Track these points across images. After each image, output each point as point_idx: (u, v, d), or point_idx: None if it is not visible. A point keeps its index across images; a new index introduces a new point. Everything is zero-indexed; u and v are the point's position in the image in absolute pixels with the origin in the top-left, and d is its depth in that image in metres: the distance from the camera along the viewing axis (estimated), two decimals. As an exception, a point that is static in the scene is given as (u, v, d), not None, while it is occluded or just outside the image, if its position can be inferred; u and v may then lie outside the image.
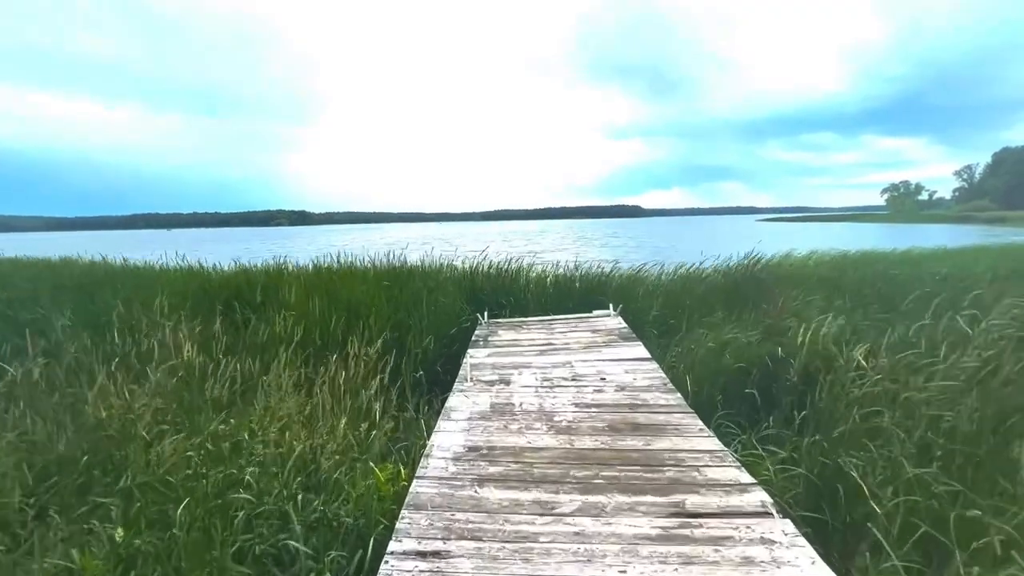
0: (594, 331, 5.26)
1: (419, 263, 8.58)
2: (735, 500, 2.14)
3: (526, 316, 6.12)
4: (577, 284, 7.13)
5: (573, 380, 3.85)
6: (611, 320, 5.69)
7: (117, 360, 3.90)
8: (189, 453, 2.67)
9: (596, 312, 6.07)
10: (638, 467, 2.47)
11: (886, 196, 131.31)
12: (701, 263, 9.69)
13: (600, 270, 9.12)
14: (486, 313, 5.84)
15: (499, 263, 9.45)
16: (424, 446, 2.81)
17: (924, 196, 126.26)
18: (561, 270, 10.00)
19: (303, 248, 37.69)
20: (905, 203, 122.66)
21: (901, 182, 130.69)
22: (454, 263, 10.33)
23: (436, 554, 1.84)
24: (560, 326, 5.58)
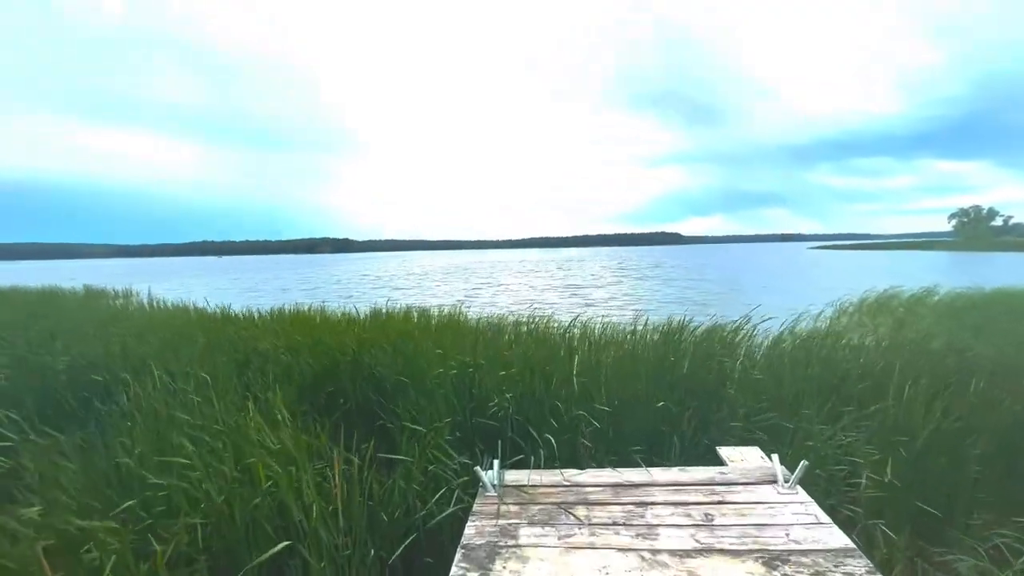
0: (770, 560, 2.03)
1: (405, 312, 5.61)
2: None
3: (576, 460, 2.96)
4: (665, 368, 3.93)
5: None
6: (786, 504, 2.43)
7: None
8: None
9: (733, 461, 2.85)
10: None
11: (954, 222, 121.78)
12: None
13: (680, 324, 5.90)
14: (496, 462, 2.71)
15: (530, 322, 6.36)
16: None
17: (998, 221, 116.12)
18: (619, 323, 6.80)
19: (324, 278, 35.71)
20: (978, 229, 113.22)
21: (971, 207, 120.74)
22: (462, 313, 7.34)
23: None
24: (667, 521, 2.35)
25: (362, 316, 7.33)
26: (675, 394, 3.61)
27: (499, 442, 2.92)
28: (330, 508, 2.20)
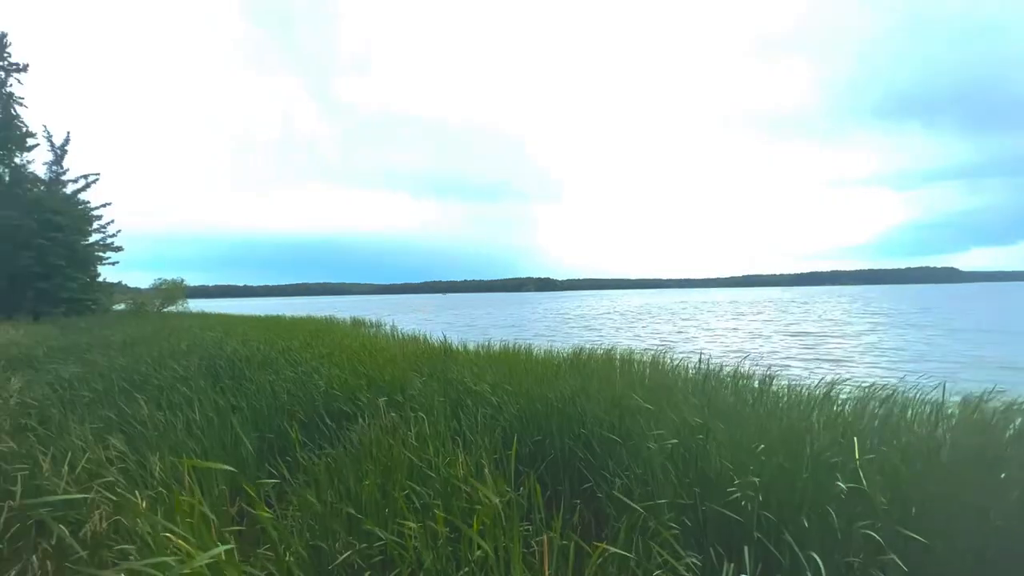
0: None
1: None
2: None
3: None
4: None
5: None
6: None
7: None
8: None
9: None
10: None
11: None
12: None
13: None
14: (744, 580, 2.02)
15: (748, 376, 5.28)
16: None
17: None
18: (891, 390, 5.10)
19: (528, 315, 37.65)
20: None
21: None
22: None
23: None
24: None
25: (562, 356, 7.18)
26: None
27: (746, 548, 2.20)
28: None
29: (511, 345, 8.50)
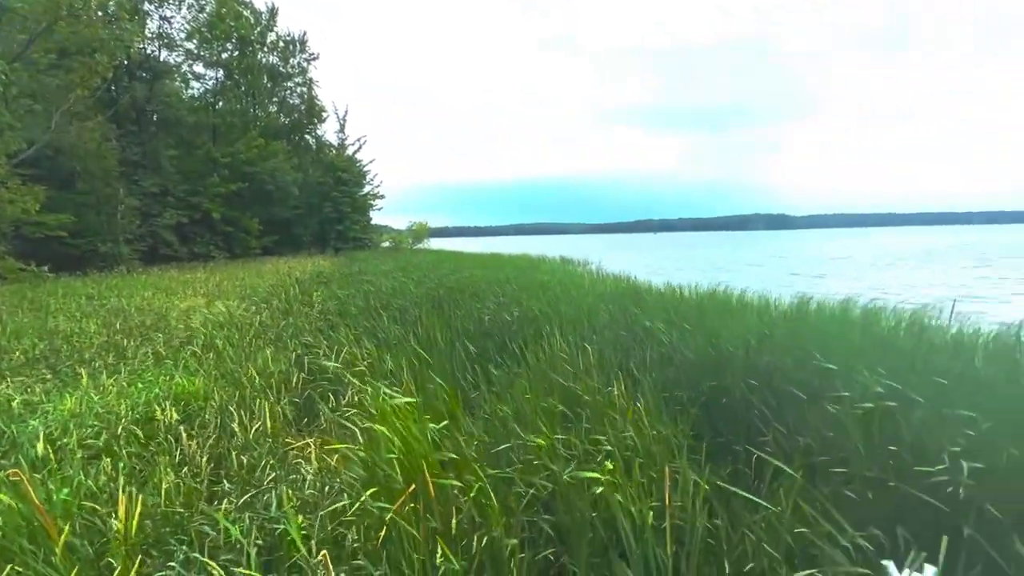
0: None
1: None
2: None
3: None
4: None
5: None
6: None
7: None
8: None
9: None
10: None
11: None
12: None
13: None
14: (932, 571, 1.68)
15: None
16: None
17: None
18: None
19: (736, 257, 33.08)
20: None
21: None
22: None
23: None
24: None
25: (777, 306, 6.36)
26: None
27: (944, 538, 1.82)
28: (662, 526, 1.93)
29: (710, 289, 7.85)
